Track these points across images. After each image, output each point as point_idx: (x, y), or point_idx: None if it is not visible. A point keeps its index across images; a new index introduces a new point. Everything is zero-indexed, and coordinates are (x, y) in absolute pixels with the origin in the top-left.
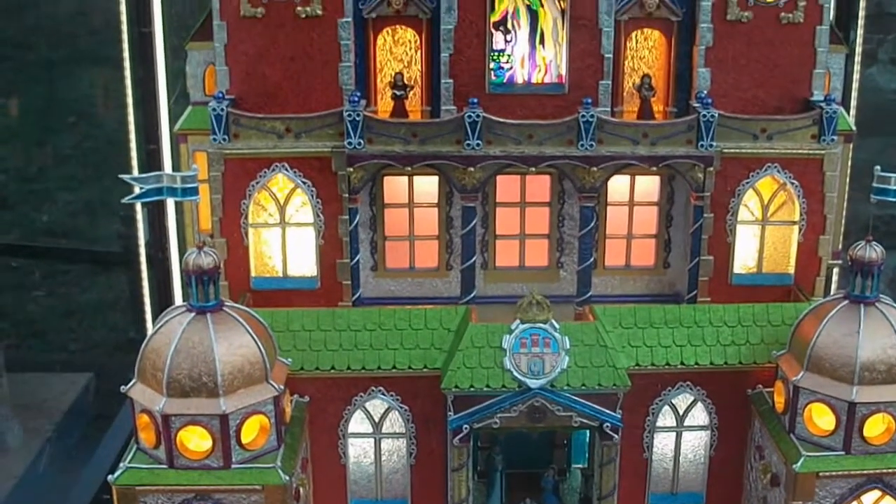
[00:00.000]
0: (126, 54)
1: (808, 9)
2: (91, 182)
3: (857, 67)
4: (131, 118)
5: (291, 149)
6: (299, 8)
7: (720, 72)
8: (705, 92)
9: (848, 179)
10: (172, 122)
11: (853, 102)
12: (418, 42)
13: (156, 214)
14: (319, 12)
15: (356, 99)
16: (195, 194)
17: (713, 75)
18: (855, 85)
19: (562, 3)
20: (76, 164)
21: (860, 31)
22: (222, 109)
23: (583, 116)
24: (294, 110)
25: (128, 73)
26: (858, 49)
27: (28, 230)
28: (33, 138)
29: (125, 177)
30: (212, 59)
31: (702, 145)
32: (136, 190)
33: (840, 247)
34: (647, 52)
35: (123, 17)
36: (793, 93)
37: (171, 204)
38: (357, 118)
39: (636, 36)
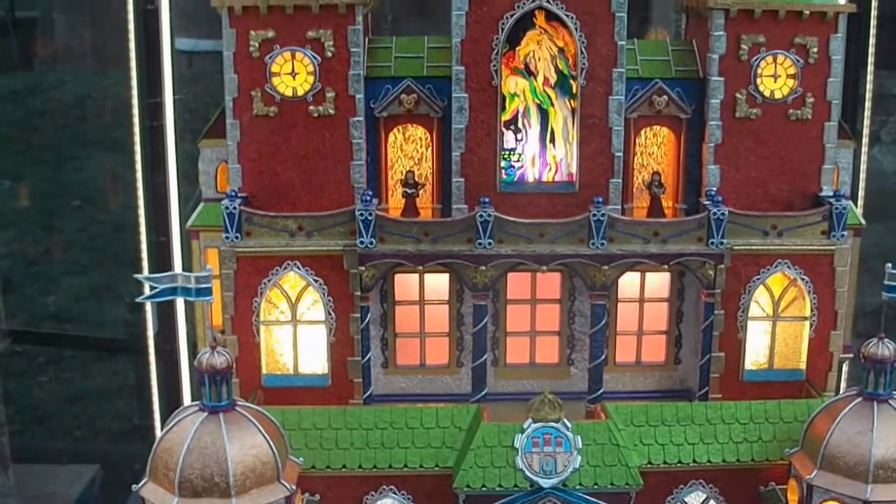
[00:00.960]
0: (137, 139)
1: (816, 106)
2: (96, 267)
3: (864, 149)
4: (141, 205)
5: (303, 247)
6: (312, 107)
7: (730, 168)
8: (715, 189)
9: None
10: (182, 206)
11: (861, 184)
12: (429, 139)
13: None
14: (332, 112)
15: (368, 198)
16: (209, 294)
17: (723, 172)
18: (862, 167)
19: (572, 102)
20: (81, 249)
21: (866, 114)
22: (235, 208)
23: (594, 215)
24: (306, 208)
25: (138, 158)
26: (866, 131)
27: (33, 315)
28: (39, 221)
29: (140, 276)
30: (224, 156)
31: (712, 243)
32: (149, 289)
33: (850, 338)
34: (656, 148)
35: (136, 109)
36: (802, 188)
37: None
38: (369, 217)
39: (646, 132)
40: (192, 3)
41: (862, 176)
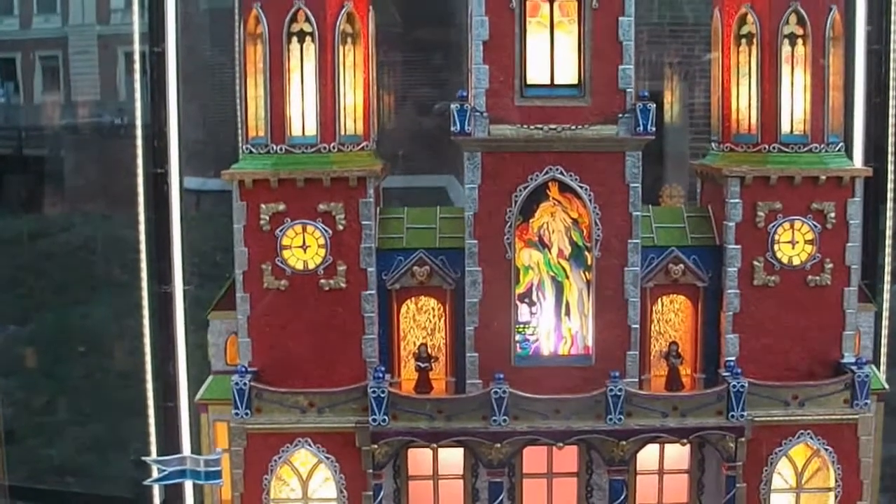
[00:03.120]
0: (144, 283)
1: (835, 271)
2: (101, 416)
3: (885, 313)
4: (147, 352)
5: (315, 424)
6: (323, 280)
7: (749, 337)
8: (734, 359)
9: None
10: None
11: (883, 348)
12: (442, 310)
13: None
14: (343, 285)
15: (381, 375)
16: (219, 478)
17: (742, 341)
18: (884, 332)
19: (587, 274)
20: (86, 397)
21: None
22: (245, 384)
23: (611, 391)
24: (317, 382)
25: (145, 303)
26: (886, 296)
27: (35, 468)
28: (43, 369)
29: (147, 459)
30: (234, 328)
31: (732, 416)
32: (157, 472)
33: (877, 498)
34: (672, 316)
35: (143, 253)
36: (823, 356)
37: None
38: (382, 395)
39: (662, 300)
40: (201, 142)
41: (883, 341)
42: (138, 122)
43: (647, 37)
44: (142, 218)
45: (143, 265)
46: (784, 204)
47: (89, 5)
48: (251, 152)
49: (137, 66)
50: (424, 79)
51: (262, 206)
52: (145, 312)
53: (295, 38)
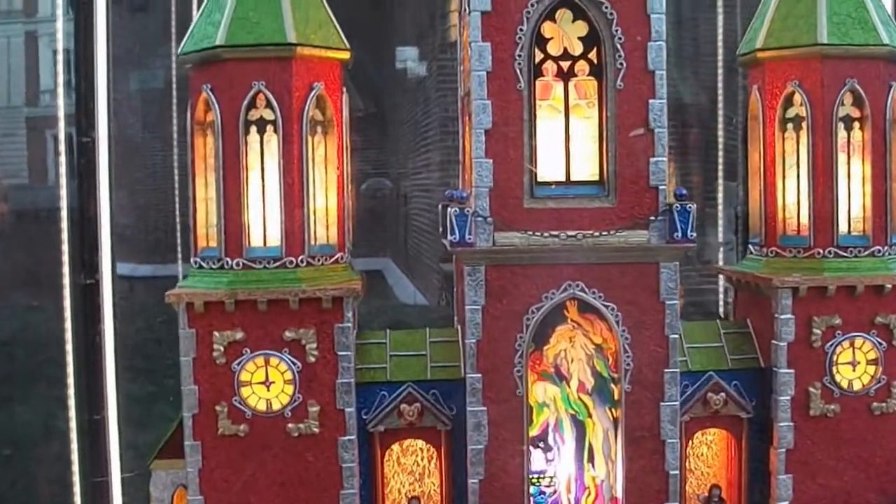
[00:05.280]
0: (70, 380)
1: None
2: None
3: None
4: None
5: None
6: (291, 425)
7: (804, 478)
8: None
9: None
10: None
11: None
12: (434, 453)
13: None
14: (316, 430)
15: None
16: None
17: (796, 482)
18: None
19: (614, 411)
20: None
21: None
22: None
23: None
24: None
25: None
26: None
27: None
28: None
29: None
30: (182, 479)
31: None
32: None
33: None
34: (705, 450)
35: (69, 345)
36: (890, 494)
37: None
38: None
39: (699, 435)
40: (131, 227)
41: None
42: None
43: None
44: (68, 304)
45: (70, 359)
46: (843, 318)
47: (16, 87)
48: (201, 267)
49: (64, 148)
50: (356, 157)
51: (216, 333)
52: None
53: (254, 128)
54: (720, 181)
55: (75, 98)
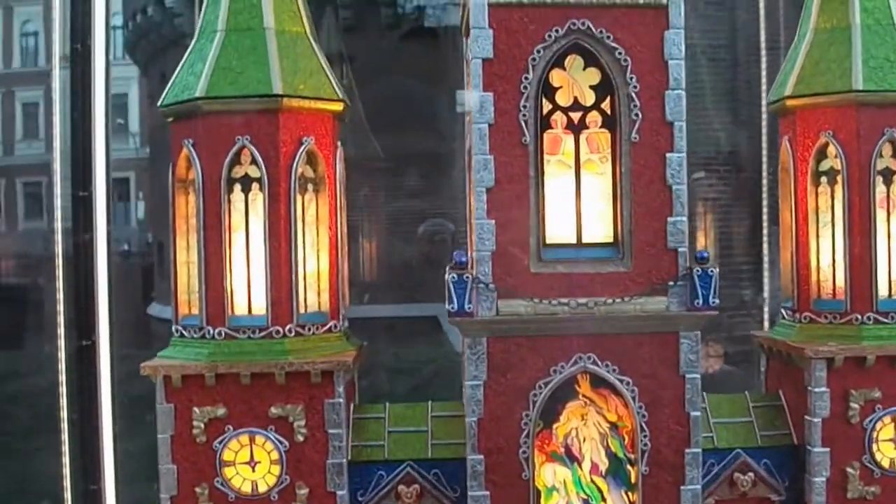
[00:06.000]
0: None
1: None
2: None
3: None
4: None
5: None
6: None
7: None
8: None
9: None
10: None
11: None
12: None
13: None
14: None
15: None
16: None
17: None
18: None
19: (630, 495)
20: None
21: None
22: None
23: None
24: None
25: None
26: None
27: None
28: None
29: None
30: None
31: None
32: None
33: None
34: None
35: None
36: None
37: None
38: None
39: None
40: None
41: None
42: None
43: None
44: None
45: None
46: (884, 392)
47: None
48: (182, 336)
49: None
50: (407, 202)
51: (196, 409)
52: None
53: (238, 186)
54: (765, 230)
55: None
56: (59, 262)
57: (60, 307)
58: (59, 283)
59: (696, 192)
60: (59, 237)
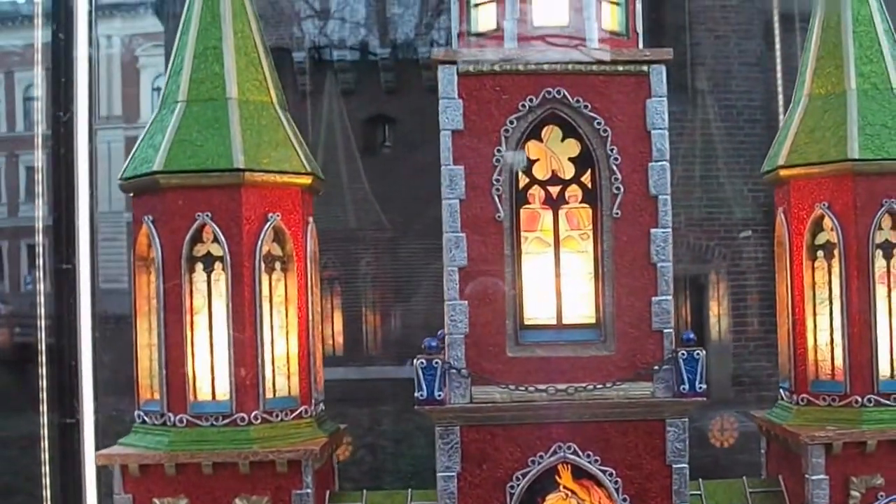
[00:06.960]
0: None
1: None
2: None
3: None
4: None
5: None
6: None
7: None
8: None
9: None
10: None
11: None
12: None
13: None
14: None
15: None
16: None
17: None
18: None
19: None
20: None
21: None
22: None
23: None
24: None
25: None
26: None
27: None
28: None
29: None
30: None
31: None
32: None
33: None
34: None
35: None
36: None
37: None
38: None
39: None
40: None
41: None
42: None
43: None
44: None
45: None
46: (886, 478)
47: None
48: (143, 422)
49: None
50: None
51: (156, 501)
52: None
53: (200, 265)
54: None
55: None
56: (42, 323)
57: (43, 370)
58: (42, 346)
59: (742, 252)
60: (41, 299)
